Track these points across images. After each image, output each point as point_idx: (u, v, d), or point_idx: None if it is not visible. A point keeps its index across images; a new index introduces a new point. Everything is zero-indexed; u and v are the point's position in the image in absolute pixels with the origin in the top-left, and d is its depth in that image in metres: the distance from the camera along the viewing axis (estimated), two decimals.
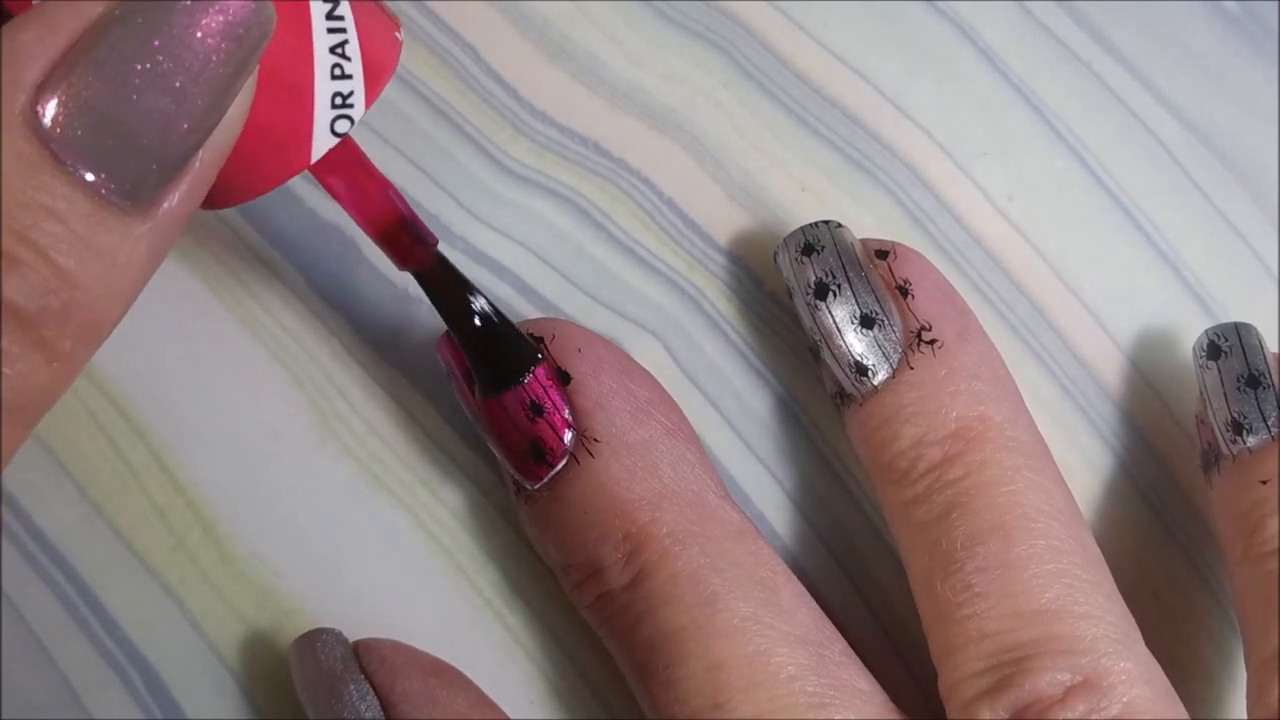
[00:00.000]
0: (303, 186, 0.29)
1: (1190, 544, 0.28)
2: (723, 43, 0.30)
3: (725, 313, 0.29)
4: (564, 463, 0.25)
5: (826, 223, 0.27)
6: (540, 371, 0.25)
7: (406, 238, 0.24)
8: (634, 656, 0.24)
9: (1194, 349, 0.27)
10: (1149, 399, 0.29)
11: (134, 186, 0.19)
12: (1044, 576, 0.24)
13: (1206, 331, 0.27)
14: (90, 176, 0.19)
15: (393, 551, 0.27)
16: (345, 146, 0.23)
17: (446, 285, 0.24)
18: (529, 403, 0.25)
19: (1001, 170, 0.30)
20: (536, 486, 0.25)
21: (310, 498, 0.28)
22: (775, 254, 0.27)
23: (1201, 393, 0.27)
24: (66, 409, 0.28)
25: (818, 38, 0.30)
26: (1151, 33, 0.31)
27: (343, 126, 0.22)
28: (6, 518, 0.27)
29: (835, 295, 0.26)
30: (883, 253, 0.27)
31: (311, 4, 0.21)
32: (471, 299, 0.24)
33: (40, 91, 0.18)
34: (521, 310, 0.29)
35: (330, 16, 0.21)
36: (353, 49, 0.22)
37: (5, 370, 0.18)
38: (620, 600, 0.24)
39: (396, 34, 0.23)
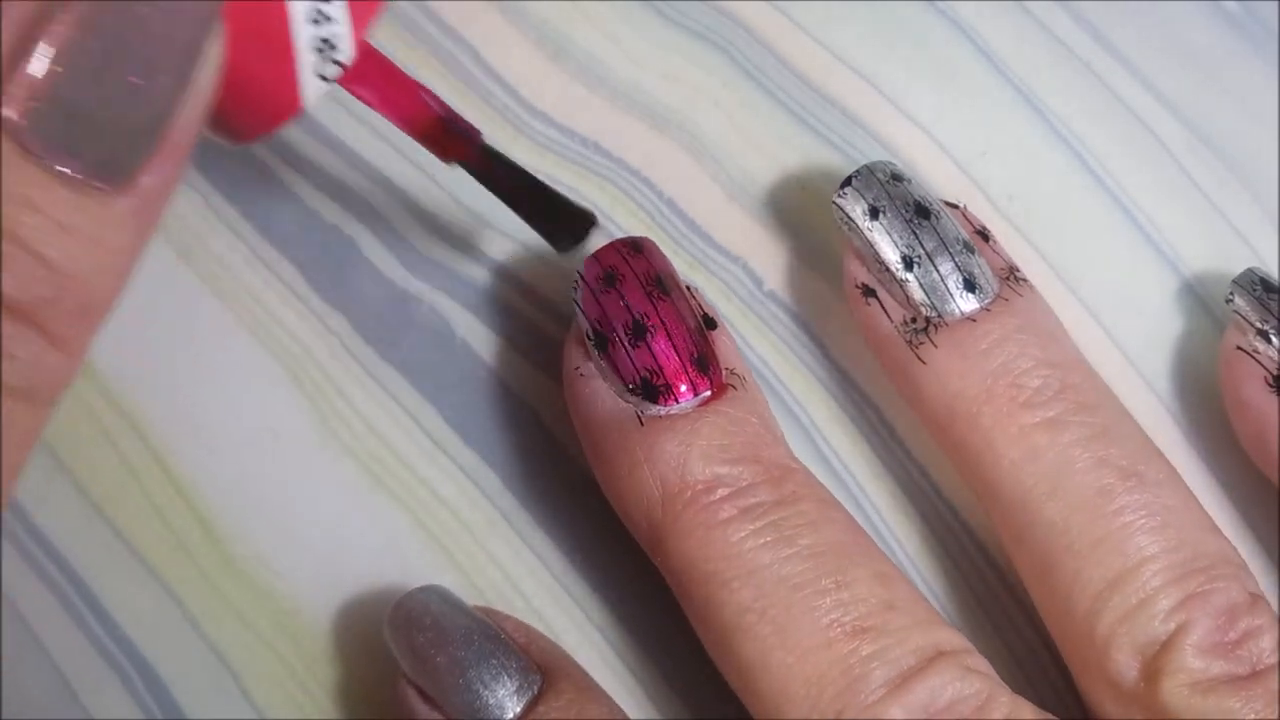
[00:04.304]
0: (302, 186, 0.29)
1: None
2: (723, 43, 0.30)
3: (725, 313, 0.29)
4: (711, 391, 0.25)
5: (893, 162, 0.27)
6: (698, 308, 0.26)
7: (445, 135, 0.24)
8: (786, 569, 0.24)
9: (1237, 288, 0.27)
10: (1148, 398, 0.29)
11: (108, 168, 0.19)
12: (1195, 499, 0.25)
13: (1248, 271, 0.27)
14: (62, 164, 0.19)
15: (393, 551, 0.27)
16: (370, 58, 0.23)
17: (495, 170, 0.25)
18: (703, 314, 0.26)
19: (1001, 170, 0.30)
20: (684, 404, 0.25)
21: (310, 498, 0.28)
22: (851, 179, 0.27)
23: (1262, 325, 0.27)
24: (66, 409, 0.28)
25: (818, 38, 0.30)
26: (1151, 33, 0.31)
27: (331, 72, 0.22)
28: (6, 517, 0.27)
29: (937, 218, 0.26)
30: (952, 204, 0.27)
31: None
32: (522, 177, 0.25)
33: (1, 89, 0.19)
34: (522, 311, 0.29)
35: None
36: None
37: (19, 354, 0.19)
38: (775, 514, 0.24)
39: None
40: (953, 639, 0.24)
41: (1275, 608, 0.27)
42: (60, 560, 0.27)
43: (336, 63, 0.22)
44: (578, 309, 0.26)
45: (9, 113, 0.19)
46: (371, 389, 0.28)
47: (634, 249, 0.26)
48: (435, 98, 0.24)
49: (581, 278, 0.26)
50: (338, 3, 0.21)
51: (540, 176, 0.25)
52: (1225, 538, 0.25)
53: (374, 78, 0.23)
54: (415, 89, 0.24)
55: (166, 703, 0.27)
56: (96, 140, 0.19)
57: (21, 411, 0.19)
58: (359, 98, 0.23)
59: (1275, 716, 0.23)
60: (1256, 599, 0.24)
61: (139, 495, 0.27)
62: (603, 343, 0.25)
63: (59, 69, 0.19)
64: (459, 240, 0.29)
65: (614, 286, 0.26)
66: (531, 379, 0.28)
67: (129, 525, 0.27)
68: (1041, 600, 0.25)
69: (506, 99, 0.29)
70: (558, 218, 0.25)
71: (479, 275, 0.29)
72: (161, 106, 0.20)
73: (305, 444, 0.28)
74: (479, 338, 0.28)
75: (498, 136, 0.29)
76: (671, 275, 0.26)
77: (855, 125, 0.30)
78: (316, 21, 0.21)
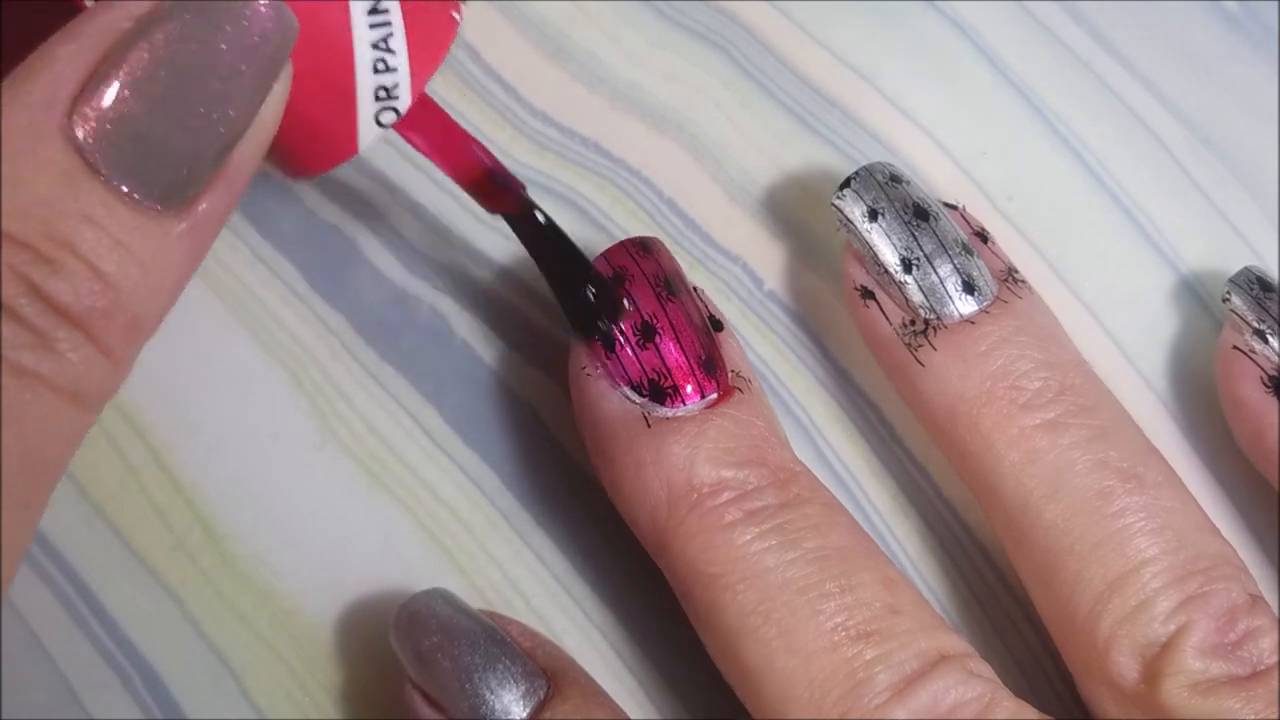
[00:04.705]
0: (302, 186, 0.29)
1: None
2: (723, 43, 0.30)
3: (725, 313, 0.29)
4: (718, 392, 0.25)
5: (892, 163, 0.27)
6: (705, 309, 0.26)
7: (492, 186, 0.25)
8: (791, 573, 0.24)
9: (1233, 287, 0.27)
10: (1148, 397, 0.29)
11: (168, 191, 0.20)
12: (1194, 500, 0.25)
13: (1245, 269, 0.27)
14: (125, 185, 0.20)
15: (393, 552, 0.27)
16: (425, 106, 0.24)
17: (535, 226, 0.25)
18: (711, 316, 0.26)
19: (1001, 170, 0.30)
20: (691, 405, 0.25)
21: (310, 498, 0.28)
22: (850, 181, 0.27)
23: (1259, 324, 0.27)
24: None
25: (818, 38, 0.30)
26: (1151, 32, 0.31)
27: (388, 118, 0.23)
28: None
29: (936, 220, 0.26)
30: (951, 205, 0.27)
31: (352, 2, 0.22)
32: (559, 237, 0.25)
33: (75, 105, 0.20)
34: (522, 311, 0.29)
35: (374, 11, 0.22)
36: (397, 41, 0.22)
37: (71, 357, 0.20)
38: (780, 517, 0.24)
39: (454, 14, 0.23)
40: (956, 643, 0.24)
41: (1275, 607, 0.27)
42: (60, 560, 0.27)
43: (394, 110, 0.23)
44: None
45: (80, 132, 0.20)
46: (372, 389, 0.28)
47: (643, 249, 0.26)
48: (485, 150, 0.25)
49: None
50: (400, 54, 0.22)
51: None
52: (1225, 539, 0.25)
53: (429, 127, 0.24)
54: (467, 140, 0.24)
55: (166, 703, 0.27)
56: (160, 165, 0.20)
57: (69, 412, 0.20)
58: (412, 144, 0.24)
59: (1276, 717, 0.23)
60: (1256, 600, 0.24)
61: (139, 495, 0.27)
62: (610, 343, 0.25)
63: (132, 95, 0.20)
64: (459, 240, 0.29)
65: (622, 287, 0.26)
66: (531, 379, 0.28)
67: (129, 526, 0.27)
68: (1042, 602, 0.25)
69: (506, 99, 0.29)
70: (588, 292, 0.25)
71: (479, 275, 0.29)
72: (226, 138, 0.21)
73: (305, 444, 0.28)
74: (479, 338, 0.28)
75: (498, 137, 0.29)
76: (680, 276, 0.26)
77: (855, 125, 0.30)
78: (379, 70, 0.22)
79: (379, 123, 0.23)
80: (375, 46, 0.22)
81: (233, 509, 0.27)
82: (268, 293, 0.28)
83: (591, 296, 0.25)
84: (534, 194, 0.29)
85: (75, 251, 0.20)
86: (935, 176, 0.30)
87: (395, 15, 0.22)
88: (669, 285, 0.26)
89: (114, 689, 0.27)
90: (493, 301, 0.29)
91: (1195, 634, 0.24)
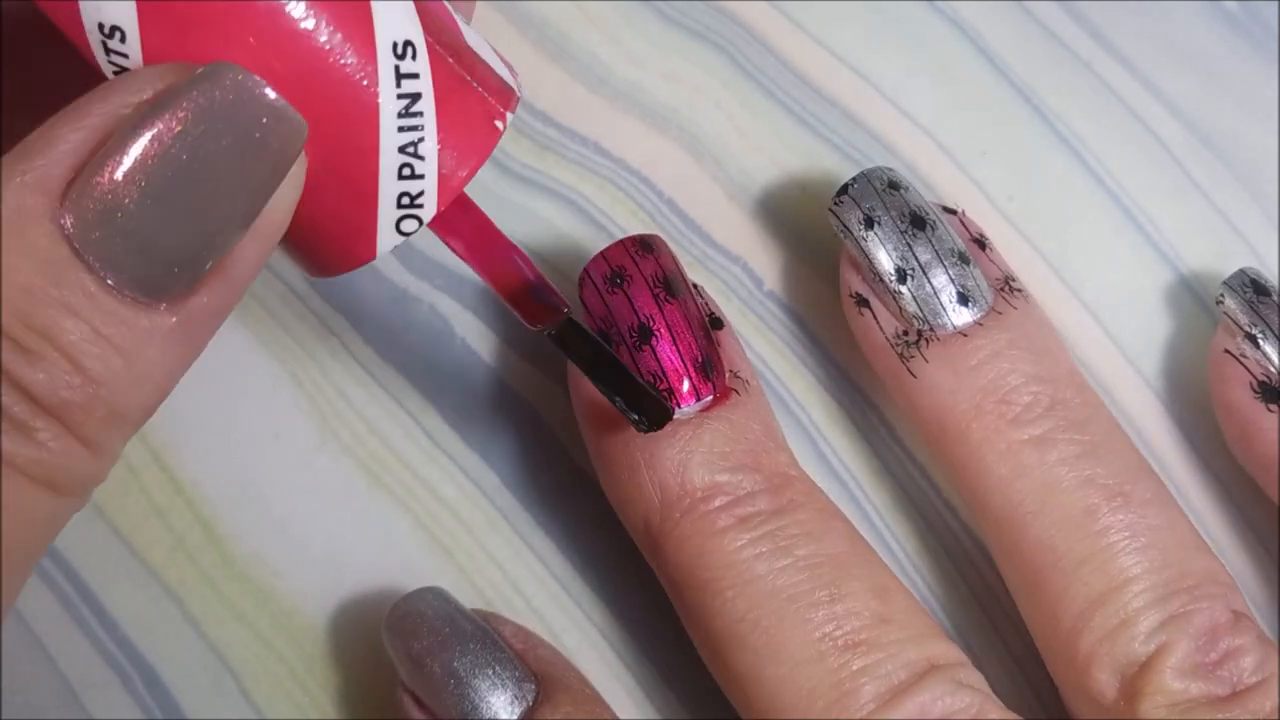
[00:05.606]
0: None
1: None
2: (723, 43, 0.30)
3: (725, 313, 0.29)
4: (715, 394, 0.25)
5: (892, 169, 0.27)
6: (705, 308, 0.26)
7: (533, 302, 0.23)
8: (781, 580, 0.24)
9: (1227, 289, 0.27)
10: (1147, 397, 0.29)
11: (158, 286, 0.20)
12: (1184, 517, 0.25)
13: (1240, 272, 0.27)
14: (111, 277, 0.19)
15: (393, 551, 0.27)
16: (463, 210, 0.22)
17: (577, 344, 0.24)
18: (711, 315, 0.26)
19: (1001, 170, 0.30)
20: (686, 409, 0.25)
21: (310, 498, 0.28)
22: (848, 187, 0.26)
23: (1250, 329, 0.27)
24: None
25: (818, 38, 0.30)
26: (1151, 32, 0.31)
27: (409, 226, 0.21)
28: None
29: (933, 229, 0.26)
30: (950, 210, 0.27)
31: (381, 102, 0.20)
32: (603, 353, 0.24)
33: (69, 190, 0.19)
34: None
35: (405, 114, 0.21)
36: (428, 147, 0.21)
37: (50, 447, 0.19)
38: (773, 523, 0.24)
39: (496, 123, 0.22)
40: (947, 652, 0.24)
41: (1275, 604, 0.27)
42: (60, 560, 0.27)
43: (417, 219, 0.21)
44: (583, 309, 0.26)
45: (69, 218, 0.19)
46: (372, 389, 0.28)
47: (643, 248, 0.26)
48: (528, 262, 0.23)
49: (588, 276, 0.26)
50: (430, 161, 0.21)
51: (623, 365, 0.24)
52: (1213, 555, 0.25)
53: (467, 232, 0.23)
54: (509, 250, 0.23)
55: (166, 703, 0.27)
56: (151, 260, 0.19)
57: (46, 500, 0.20)
58: (450, 248, 0.23)
59: None
60: (1240, 617, 0.24)
61: (139, 495, 0.27)
62: (607, 344, 0.25)
63: (126, 186, 0.19)
64: None
65: (621, 288, 0.25)
66: (531, 379, 0.28)
67: (129, 526, 0.27)
68: (1028, 614, 0.25)
69: None
70: (636, 402, 0.24)
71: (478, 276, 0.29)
72: (222, 239, 0.20)
73: (305, 444, 0.28)
74: (479, 338, 0.28)
75: None
76: (680, 275, 0.26)
77: (855, 125, 0.30)
78: (404, 176, 0.21)
79: (400, 230, 0.21)
80: (403, 151, 0.21)
81: (233, 509, 0.27)
82: (268, 292, 0.28)
83: (645, 402, 0.24)
84: (534, 194, 0.29)
85: (54, 342, 0.19)
86: (935, 177, 0.30)
87: (429, 119, 0.21)
88: (668, 286, 0.26)
89: (114, 689, 0.27)
90: (493, 301, 0.29)
91: (1175, 654, 0.24)
